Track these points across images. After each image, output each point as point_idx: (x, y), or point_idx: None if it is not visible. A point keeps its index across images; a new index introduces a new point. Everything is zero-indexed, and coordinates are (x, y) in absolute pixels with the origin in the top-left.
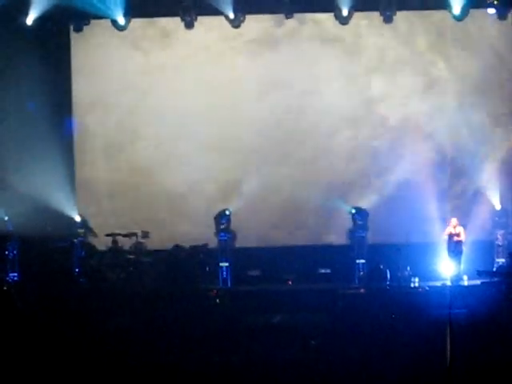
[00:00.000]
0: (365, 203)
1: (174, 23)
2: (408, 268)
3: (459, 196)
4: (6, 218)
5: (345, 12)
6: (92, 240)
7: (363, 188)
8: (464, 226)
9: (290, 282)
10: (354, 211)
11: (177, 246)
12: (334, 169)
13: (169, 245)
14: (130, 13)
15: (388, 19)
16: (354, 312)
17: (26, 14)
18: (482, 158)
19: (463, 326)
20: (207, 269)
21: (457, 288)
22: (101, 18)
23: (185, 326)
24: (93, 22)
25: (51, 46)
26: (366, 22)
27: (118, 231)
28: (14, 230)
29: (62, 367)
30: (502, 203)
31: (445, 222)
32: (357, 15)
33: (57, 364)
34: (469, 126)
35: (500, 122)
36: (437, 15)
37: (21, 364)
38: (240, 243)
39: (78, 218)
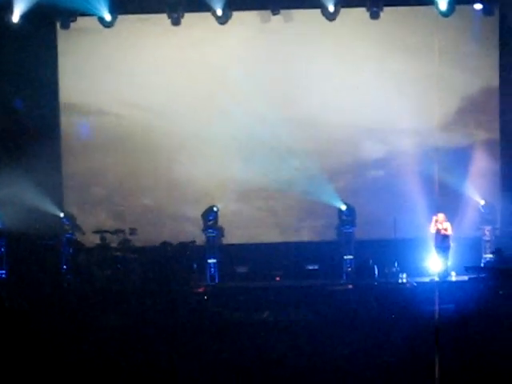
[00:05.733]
0: (351, 199)
1: (160, 20)
2: (396, 264)
3: (446, 192)
4: None
5: (331, 8)
6: (79, 237)
7: (350, 184)
8: (451, 222)
9: (278, 279)
10: (343, 207)
11: (164, 243)
12: (319, 165)
13: (156, 241)
14: (117, 10)
15: (375, 15)
16: (342, 308)
17: (12, 12)
18: (469, 155)
19: (451, 322)
20: (195, 265)
21: (444, 284)
22: (87, 14)
23: (172, 322)
24: (79, 19)
25: (38, 44)
26: (353, 18)
27: (105, 228)
28: (2, 227)
29: (49, 365)
30: (488, 199)
31: (432, 217)
32: (343, 11)
33: (44, 362)
34: (455, 122)
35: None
36: (423, 11)
37: (8, 362)
38: (228, 240)
39: (65, 216)
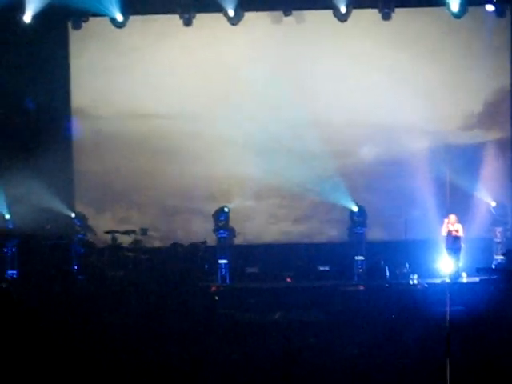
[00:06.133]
0: (363, 200)
1: (172, 21)
2: (407, 265)
3: (458, 193)
4: (8, 217)
5: (343, 9)
6: (91, 237)
7: (362, 185)
8: (463, 223)
9: (289, 279)
10: (354, 209)
11: (175, 244)
12: (333, 165)
13: (168, 242)
14: (129, 10)
15: (386, 16)
16: (353, 309)
17: (24, 12)
18: (480, 156)
19: (462, 324)
20: (206, 266)
21: (455, 285)
22: (99, 15)
23: (183, 322)
24: (91, 19)
25: (49, 44)
26: (365, 20)
27: (116, 229)
28: (14, 228)
29: (60, 363)
30: (500, 200)
31: (444, 218)
32: (355, 12)
33: (55, 360)
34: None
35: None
36: (435, 12)
37: (20, 361)
38: (239, 240)
39: (76, 216)
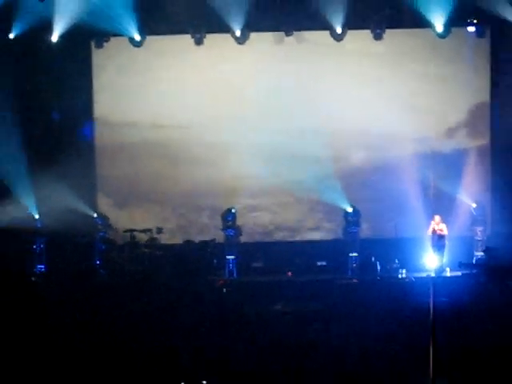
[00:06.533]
0: (357, 201)
1: (185, 40)
2: (396, 261)
3: (442, 195)
4: (37, 217)
5: (339, 30)
6: (111, 235)
7: (356, 187)
8: (446, 223)
9: (290, 274)
10: (349, 209)
11: (187, 241)
12: (330, 171)
13: (180, 239)
14: (146, 31)
15: (378, 36)
16: (347, 300)
17: (51, 32)
18: (462, 162)
19: (445, 313)
20: (215, 261)
21: (440, 279)
22: (119, 35)
23: (195, 313)
24: (112, 39)
25: (74, 61)
26: (359, 39)
27: (135, 227)
28: (42, 226)
29: (83, 350)
30: (480, 202)
31: (429, 219)
32: (350, 33)
33: (78, 347)
34: (450, 132)
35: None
36: (422, 33)
37: (46, 347)
38: (244, 238)
39: (98, 216)
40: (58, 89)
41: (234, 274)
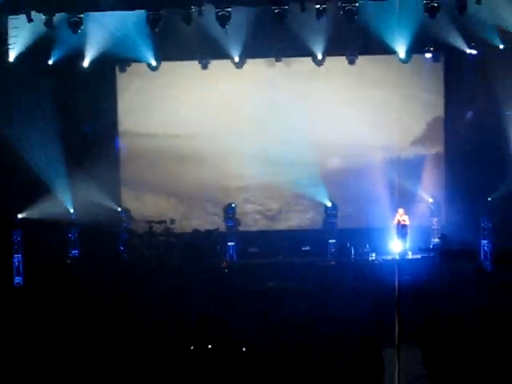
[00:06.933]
0: (336, 198)
1: (193, 65)
2: (367, 246)
3: (405, 192)
4: (72, 211)
5: (319, 56)
6: (133, 226)
7: (336, 187)
8: (409, 215)
9: (281, 257)
10: (328, 204)
11: (195, 230)
12: (314, 173)
13: (190, 229)
14: (161, 57)
15: (352, 61)
16: (327, 279)
17: (83, 59)
18: (421, 165)
19: (408, 289)
20: (218, 247)
21: (403, 261)
22: (139, 61)
23: (202, 290)
24: (133, 64)
25: (102, 83)
26: (336, 64)
27: (152, 219)
28: (76, 218)
29: (108, 318)
30: (435, 198)
31: (394, 211)
32: (328, 59)
33: (105, 315)
34: (413, 141)
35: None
36: (388, 59)
37: (79, 314)
38: (243, 228)
39: (122, 210)
40: (90, 106)
41: (234, 258)
